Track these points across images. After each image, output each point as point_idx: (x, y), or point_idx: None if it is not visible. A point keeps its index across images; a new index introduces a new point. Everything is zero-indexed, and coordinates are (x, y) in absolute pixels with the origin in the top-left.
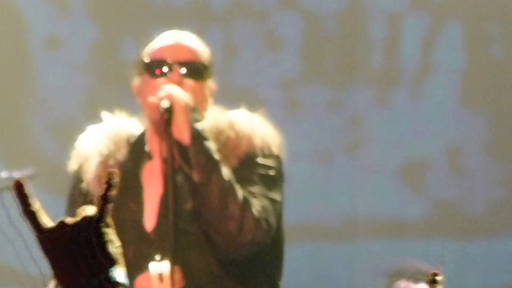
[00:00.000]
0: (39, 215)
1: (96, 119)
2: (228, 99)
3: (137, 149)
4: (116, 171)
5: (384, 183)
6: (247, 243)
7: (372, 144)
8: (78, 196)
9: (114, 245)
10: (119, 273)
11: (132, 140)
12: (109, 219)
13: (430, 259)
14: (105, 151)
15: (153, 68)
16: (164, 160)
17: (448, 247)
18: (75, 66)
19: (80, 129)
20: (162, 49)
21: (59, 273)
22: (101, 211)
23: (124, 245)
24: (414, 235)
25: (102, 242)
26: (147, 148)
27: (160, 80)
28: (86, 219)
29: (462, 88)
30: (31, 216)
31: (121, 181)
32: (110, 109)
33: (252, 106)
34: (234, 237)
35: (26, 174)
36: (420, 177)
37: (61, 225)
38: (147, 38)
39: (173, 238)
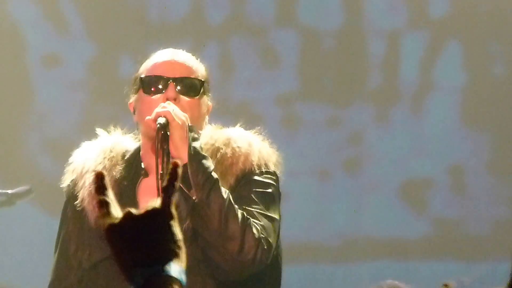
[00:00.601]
0: (111, 206)
1: (92, 135)
2: (225, 115)
3: (133, 166)
4: (179, 162)
5: (384, 201)
6: (248, 263)
7: (372, 162)
8: (72, 213)
9: (176, 238)
10: (174, 268)
11: (128, 156)
12: (173, 211)
13: (431, 279)
14: (100, 167)
15: (149, 84)
16: (160, 177)
17: (449, 268)
18: (72, 83)
19: (76, 145)
20: (157, 65)
21: (119, 261)
22: (165, 204)
23: None
24: (415, 255)
25: (163, 235)
26: (143, 165)
27: (156, 96)
28: (150, 212)
29: (462, 106)
30: (103, 205)
31: (117, 198)
32: (106, 126)
33: (249, 122)
34: (234, 257)
35: (22, 190)
36: (421, 196)
37: (127, 216)
38: (144, 55)
39: None
